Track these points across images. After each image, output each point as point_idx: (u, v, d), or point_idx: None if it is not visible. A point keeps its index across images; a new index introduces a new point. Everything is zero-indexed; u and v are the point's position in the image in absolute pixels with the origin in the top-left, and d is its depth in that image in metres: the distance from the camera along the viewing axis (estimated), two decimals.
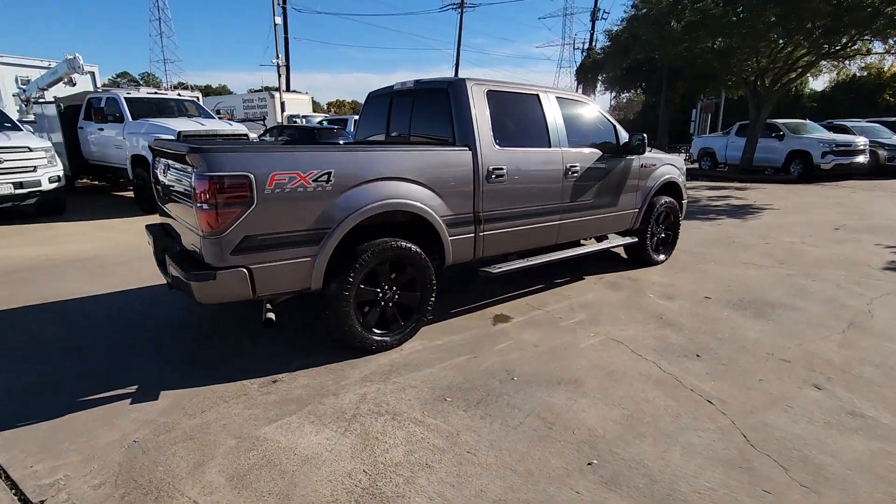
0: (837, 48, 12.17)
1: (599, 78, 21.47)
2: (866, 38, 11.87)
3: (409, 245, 3.33)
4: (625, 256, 5.66)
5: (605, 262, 5.59)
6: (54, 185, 7.64)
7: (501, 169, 3.75)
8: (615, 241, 5.10)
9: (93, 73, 13.58)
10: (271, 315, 2.94)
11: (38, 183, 7.41)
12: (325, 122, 15.44)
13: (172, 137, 8.02)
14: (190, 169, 2.68)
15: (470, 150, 3.61)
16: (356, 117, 20.96)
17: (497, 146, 3.75)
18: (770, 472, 2.21)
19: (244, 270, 2.74)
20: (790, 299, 4.44)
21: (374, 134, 4.60)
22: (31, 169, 7.36)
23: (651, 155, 5.17)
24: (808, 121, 15.89)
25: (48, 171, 7.57)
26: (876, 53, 13.66)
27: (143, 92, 9.62)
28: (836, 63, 14.32)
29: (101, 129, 8.95)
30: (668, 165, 5.48)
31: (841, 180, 13.79)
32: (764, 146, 15.21)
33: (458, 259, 3.70)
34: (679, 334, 3.68)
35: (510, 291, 4.59)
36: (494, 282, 4.78)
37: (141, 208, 8.48)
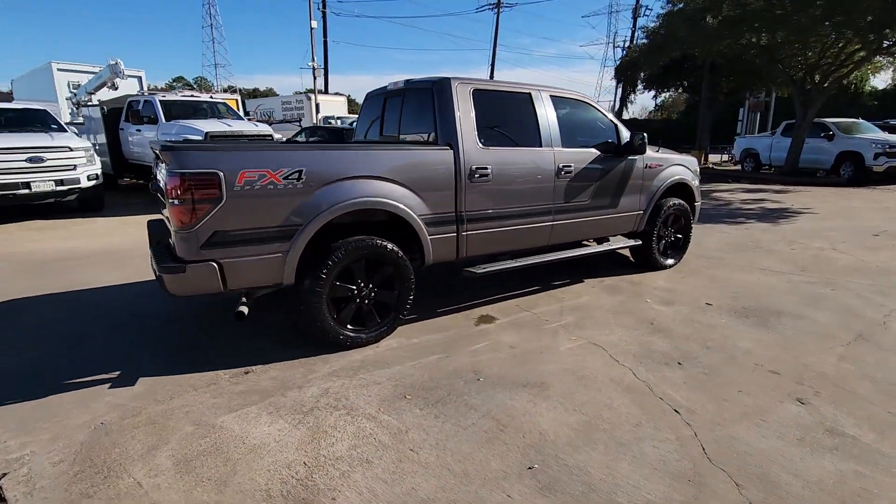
0: (891, 43, 11.33)
1: (639, 76, 20.87)
2: None
3: (384, 243, 3.36)
4: (633, 260, 5.48)
5: (609, 265, 5.44)
6: (92, 182, 8.15)
7: (486, 169, 3.72)
8: (616, 244, 4.97)
9: (139, 78, 14.43)
10: (243, 308, 3.04)
11: (78, 180, 7.92)
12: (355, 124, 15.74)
13: (200, 138, 8.40)
14: (164, 166, 2.81)
15: (452, 149, 3.60)
16: None
17: (481, 146, 3.72)
18: (720, 488, 2.09)
19: (214, 264, 2.84)
20: (800, 308, 4.18)
21: (370, 133, 4.66)
22: (72, 167, 7.88)
23: (657, 155, 4.99)
24: (860, 120, 14.86)
25: (87, 170, 8.08)
26: None
27: (178, 95, 10.11)
28: (892, 59, 13.32)
29: (139, 130, 9.47)
30: (678, 166, 5.27)
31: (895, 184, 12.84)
32: (812, 147, 14.35)
33: (439, 258, 3.70)
34: (666, 341, 3.54)
35: (503, 292, 4.54)
36: (488, 282, 4.75)
37: None
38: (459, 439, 2.42)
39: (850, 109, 23.22)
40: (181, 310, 4.10)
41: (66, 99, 12.26)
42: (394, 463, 2.24)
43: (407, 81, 4.15)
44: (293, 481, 2.12)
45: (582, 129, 4.54)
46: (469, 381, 2.99)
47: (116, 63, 9.64)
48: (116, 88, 10.28)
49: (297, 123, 18.01)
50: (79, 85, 11.80)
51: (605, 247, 4.87)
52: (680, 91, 22.52)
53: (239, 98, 16.67)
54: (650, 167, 4.91)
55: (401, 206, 3.35)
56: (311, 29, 18.39)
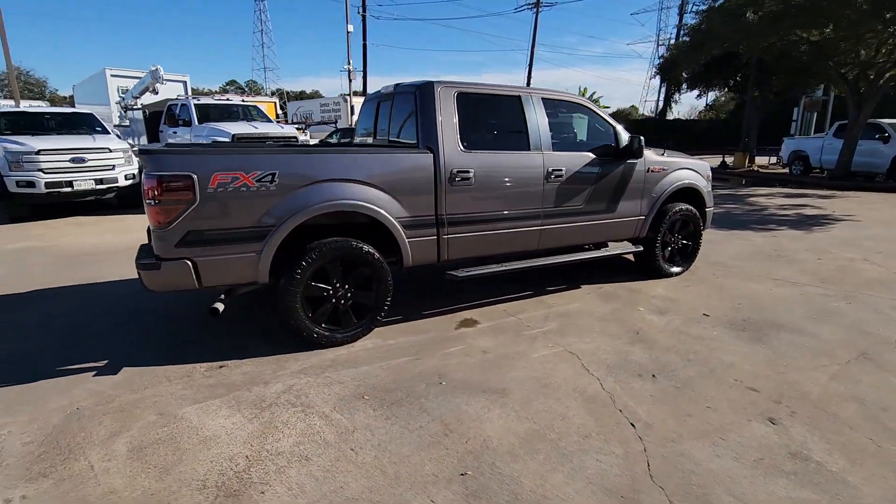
0: None
1: (682, 76, 20.11)
2: None
3: (360, 245, 3.42)
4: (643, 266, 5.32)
5: (611, 272, 5.30)
6: (129, 181, 8.67)
7: (467, 172, 3.72)
8: (614, 250, 4.83)
9: (184, 83, 15.21)
10: (218, 305, 3.18)
11: (116, 180, 8.45)
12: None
13: (227, 139, 8.78)
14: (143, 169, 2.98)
15: (432, 152, 3.62)
16: None
17: (463, 149, 3.72)
18: None
19: (188, 262, 2.99)
20: (805, 322, 3.94)
21: (365, 136, 4.75)
22: (111, 167, 8.42)
23: (660, 158, 4.83)
24: None
25: (125, 170, 8.61)
26: None
27: (212, 99, 10.61)
28: None
29: (175, 132, 10.01)
30: (686, 170, 5.08)
31: None
32: (866, 149, 13.41)
33: (419, 261, 3.73)
34: (647, 351, 3.43)
35: (494, 296, 4.52)
36: (480, 286, 4.73)
37: None
38: (402, 442, 2.44)
39: None
40: (181, 304, 4.32)
41: (115, 103, 13.13)
42: (331, 461, 2.29)
43: (396, 86, 4.21)
44: (230, 473, 2.21)
45: (577, 132, 4.45)
46: (431, 384, 3.00)
47: (157, 69, 10.24)
48: (157, 93, 10.91)
49: (333, 125, 18.49)
50: (126, 90, 12.61)
51: (602, 253, 4.75)
52: (725, 90, 21.49)
53: (277, 101, 17.28)
54: (653, 171, 4.75)
55: (375, 208, 3.40)
56: (348, 33, 18.83)
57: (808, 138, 16.39)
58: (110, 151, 8.44)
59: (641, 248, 4.92)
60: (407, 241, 3.60)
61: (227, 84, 67.73)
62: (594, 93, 45.24)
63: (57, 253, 6.18)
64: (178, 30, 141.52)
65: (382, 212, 3.43)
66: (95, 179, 8.24)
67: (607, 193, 4.49)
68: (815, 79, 15.83)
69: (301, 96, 54.03)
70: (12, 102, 16.83)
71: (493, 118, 4.06)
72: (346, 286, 3.48)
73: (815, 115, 22.33)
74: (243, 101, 11.37)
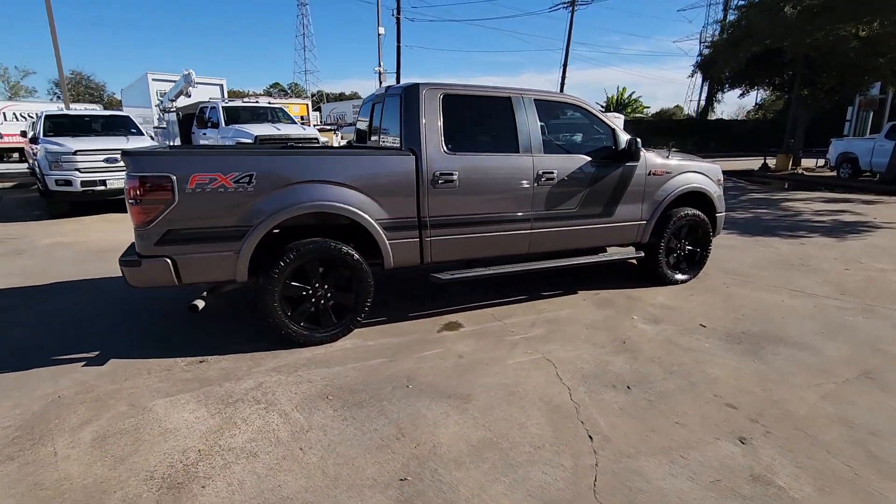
0: None
1: (724, 74, 19.26)
2: None
3: (338, 245, 3.46)
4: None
5: (613, 278, 5.14)
6: None
7: (451, 174, 3.70)
8: (611, 255, 4.69)
9: (221, 86, 15.82)
10: (197, 302, 3.28)
11: None
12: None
13: (250, 140, 9.07)
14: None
15: (414, 155, 3.62)
16: None
17: (447, 151, 3.70)
18: None
19: (168, 260, 3.10)
20: (811, 337, 3.70)
21: (362, 137, 4.79)
22: None
23: (663, 161, 4.65)
24: None
25: None
26: None
27: (240, 101, 10.98)
28: None
29: (205, 134, 10.41)
30: (693, 174, 4.87)
31: None
32: None
33: (401, 263, 3.73)
34: (629, 362, 3.30)
35: (485, 300, 4.47)
36: (472, 289, 4.70)
37: None
38: (352, 443, 2.45)
39: None
40: (183, 300, 4.47)
41: (155, 105, 13.80)
42: (277, 460, 2.32)
43: (387, 88, 4.22)
44: (179, 466, 2.27)
45: (570, 134, 4.35)
46: (398, 387, 2.99)
47: (189, 73, 10.70)
48: (189, 96, 11.40)
49: None
50: (164, 93, 13.23)
51: (597, 258, 4.61)
52: (769, 89, 20.42)
53: (309, 103, 17.70)
54: (655, 174, 4.58)
55: (352, 209, 3.42)
56: (379, 35, 19.08)
57: (858, 139, 15.40)
58: None
59: (642, 254, 4.75)
60: (388, 242, 3.61)
61: (271, 86, 70.08)
62: (633, 92, 44.09)
63: (84, 248, 6.54)
64: (227, 35, 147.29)
65: (360, 213, 3.45)
66: None
67: (603, 197, 4.36)
68: (868, 76, 14.82)
69: (340, 98, 55.18)
70: (77, 105, 17.98)
71: (482, 120, 4.02)
72: (326, 286, 3.53)
73: (872, 114, 20.95)
74: (270, 103, 11.72)
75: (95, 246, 6.63)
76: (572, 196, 4.21)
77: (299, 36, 62.41)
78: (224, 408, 2.76)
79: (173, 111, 11.56)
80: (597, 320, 4.05)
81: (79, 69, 49.38)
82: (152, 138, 9.78)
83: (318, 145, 8.14)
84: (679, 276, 4.95)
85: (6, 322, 4.02)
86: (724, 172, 17.21)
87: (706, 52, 18.17)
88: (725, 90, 22.14)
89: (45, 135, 8.89)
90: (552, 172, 4.06)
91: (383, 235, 3.58)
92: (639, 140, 4.26)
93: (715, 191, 5.02)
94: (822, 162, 18.13)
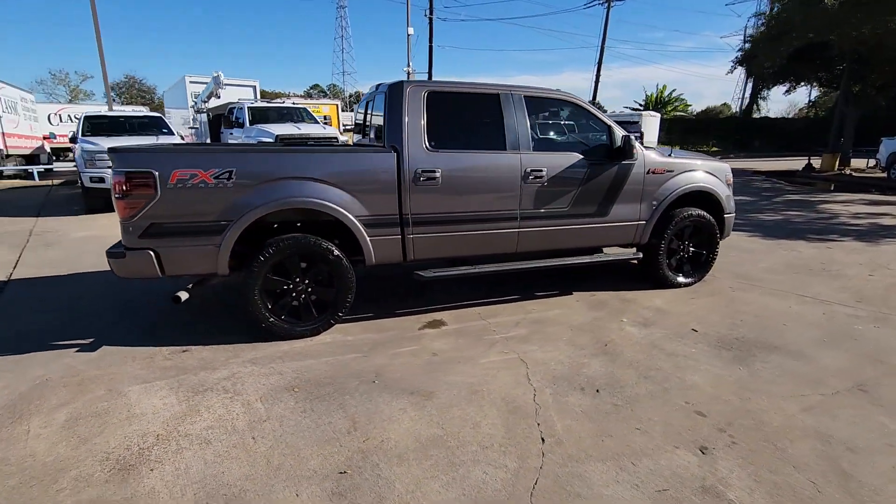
0: None
1: (766, 69, 18.37)
2: None
3: (317, 241, 3.51)
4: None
5: (613, 279, 5.01)
6: None
7: (433, 172, 3.69)
8: (607, 256, 4.55)
9: (254, 87, 16.33)
10: (180, 294, 3.40)
11: None
12: None
13: (271, 139, 9.32)
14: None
15: (396, 152, 3.63)
16: None
17: (429, 149, 3.70)
18: None
19: (151, 252, 3.23)
20: (809, 345, 3.49)
21: (358, 134, 4.85)
22: None
23: (664, 159, 4.48)
24: None
25: None
26: None
27: (265, 102, 11.31)
28: None
29: (232, 133, 10.78)
30: (698, 172, 4.67)
31: None
32: None
33: (383, 260, 3.76)
34: (605, 365, 3.21)
35: (473, 299, 4.44)
36: (464, 287, 4.68)
37: None
38: (304, 435, 2.48)
39: None
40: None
41: (190, 106, 14.41)
42: (227, 448, 2.38)
43: (378, 86, 4.26)
44: (135, 449, 2.37)
45: (565, 131, 4.26)
46: (365, 381, 3.02)
47: (218, 75, 11.11)
48: (219, 97, 11.83)
49: None
50: (198, 94, 13.80)
51: (591, 258, 4.49)
52: (815, 85, 19.33)
53: (339, 104, 18.04)
54: (654, 172, 4.43)
55: (330, 205, 3.46)
56: (408, 35, 19.24)
57: None
58: None
59: (640, 255, 4.60)
60: (368, 239, 3.64)
61: (311, 88, 72.03)
62: (673, 90, 42.68)
63: (111, 242, 6.86)
64: (270, 39, 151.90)
65: (339, 209, 3.49)
66: None
67: (597, 196, 4.25)
68: None
69: None
70: (126, 107, 19.02)
71: (468, 118, 3.99)
72: (307, 281, 3.59)
73: None
74: (294, 103, 12.03)
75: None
76: (563, 195, 4.12)
77: (338, 38, 63.54)
78: (192, 395, 2.86)
79: (204, 112, 12.05)
80: (584, 322, 3.95)
81: (132, 73, 52.14)
82: (182, 138, 10.20)
83: (316, 143, 8.30)
84: (681, 279, 4.76)
85: (23, 308, 4.30)
86: (764, 173, 16.63)
87: (745, 46, 17.33)
88: (769, 87, 21.15)
89: (83, 135, 9.42)
90: (541, 171, 3.99)
91: (364, 232, 3.61)
92: (632, 137, 4.13)
93: (723, 191, 4.81)
94: (872, 162, 17.05)
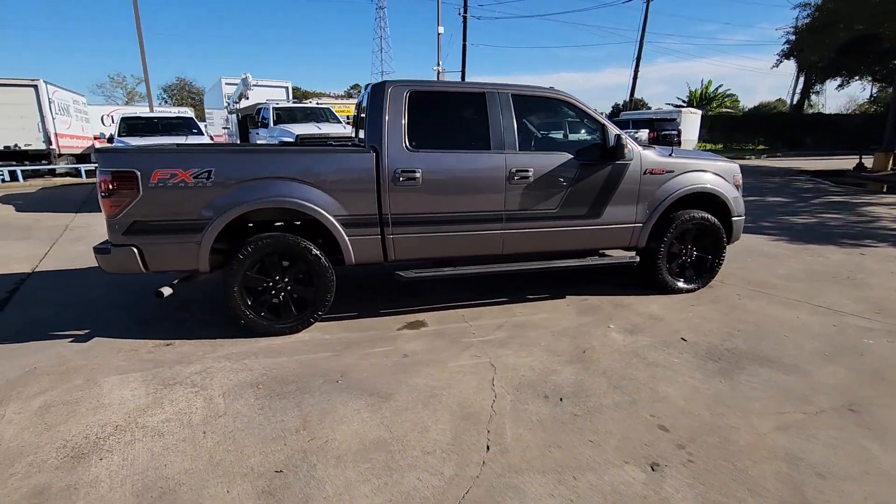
0: None
1: (813, 63, 17.31)
2: None
3: (296, 240, 3.55)
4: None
5: (611, 284, 4.84)
6: None
7: (413, 172, 3.66)
8: (599, 260, 4.39)
9: (286, 88, 16.76)
10: (163, 289, 3.51)
11: None
12: None
13: (291, 139, 9.54)
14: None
15: (375, 152, 3.63)
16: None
17: (409, 149, 3.67)
18: None
19: (134, 249, 3.35)
20: (807, 359, 3.26)
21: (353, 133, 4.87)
22: None
23: (663, 159, 4.29)
24: None
25: None
26: None
27: (289, 103, 11.58)
28: None
29: (258, 133, 11.11)
30: (701, 173, 4.45)
31: None
32: None
33: (363, 260, 3.76)
34: (577, 373, 3.10)
35: (460, 300, 4.39)
36: (453, 288, 4.63)
37: None
38: (253, 432, 2.51)
39: None
40: (195, 287, 4.79)
41: (224, 107, 14.96)
42: (177, 441, 2.44)
43: (366, 86, 4.26)
44: (92, 438, 2.46)
45: (556, 130, 4.13)
46: (329, 381, 3.03)
47: (246, 77, 11.48)
48: (248, 98, 12.21)
49: None
50: (230, 95, 14.32)
51: (586, 262, 4.33)
52: (870, 80, 18.04)
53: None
54: (652, 173, 4.24)
55: (308, 204, 3.49)
56: (439, 35, 19.25)
57: None
58: None
59: (637, 259, 4.42)
60: (347, 238, 3.65)
61: (351, 88, 73.42)
62: (720, 86, 41.00)
63: None
64: (311, 40, 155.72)
65: (316, 208, 3.52)
66: None
67: (588, 197, 4.10)
68: None
69: None
70: (171, 109, 19.99)
71: (452, 117, 3.94)
72: (287, 279, 3.64)
73: None
74: (318, 104, 12.27)
75: None
76: (552, 196, 4.01)
77: (376, 38, 64.47)
78: (161, 388, 2.95)
79: (236, 112, 12.48)
80: (569, 327, 3.83)
81: (183, 76, 54.62)
82: (212, 138, 10.59)
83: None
84: (682, 285, 4.54)
85: (35, 299, 4.56)
86: (809, 173, 15.75)
87: (791, 39, 16.37)
88: (820, 81, 19.93)
89: (119, 135, 9.93)
90: (527, 171, 3.89)
91: (342, 231, 3.62)
92: (623, 136, 3.96)
93: (730, 192, 4.55)
94: None
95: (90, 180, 15.07)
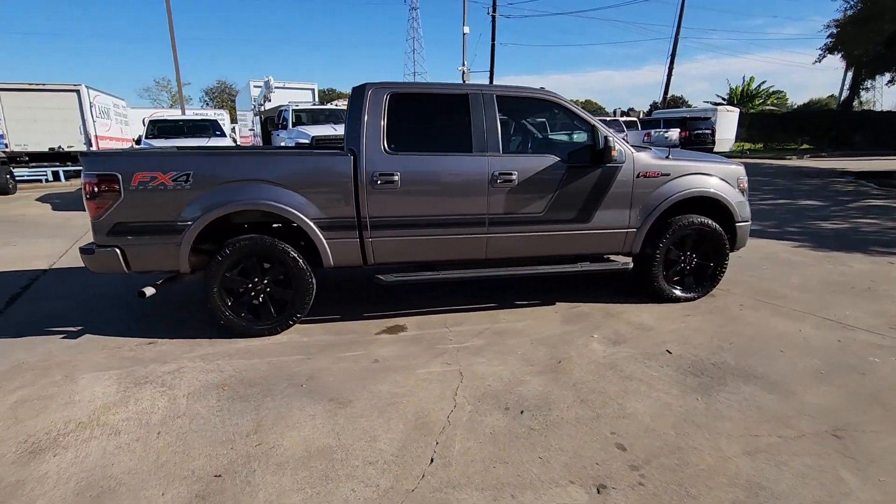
0: None
1: (857, 58, 16.29)
2: None
3: (274, 242, 3.58)
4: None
5: (606, 291, 4.67)
6: None
7: (391, 175, 3.63)
8: (589, 266, 4.23)
9: (312, 90, 17.06)
10: (145, 289, 3.60)
11: None
12: None
13: (307, 141, 9.69)
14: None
15: (353, 155, 3.62)
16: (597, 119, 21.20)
17: (388, 152, 3.64)
18: None
19: (117, 250, 3.45)
20: (798, 377, 3.04)
21: None
22: None
23: (657, 161, 4.10)
24: None
25: None
26: None
27: (309, 105, 11.77)
28: None
29: (278, 135, 11.34)
30: (701, 176, 4.23)
31: None
32: None
33: (342, 263, 3.76)
34: (546, 385, 2.99)
35: (447, 305, 4.32)
36: (446, 293, 4.57)
37: None
38: (205, 434, 2.54)
39: None
40: (200, 286, 4.93)
41: (250, 109, 15.39)
42: (130, 440, 2.49)
43: (353, 88, 4.25)
44: (54, 434, 2.54)
45: (544, 132, 4.02)
46: (293, 384, 3.03)
47: (268, 80, 11.74)
48: (270, 100, 12.49)
49: None
50: (255, 98, 14.71)
51: (576, 268, 4.19)
52: None
53: None
54: (646, 176, 4.06)
55: (285, 207, 3.51)
56: (464, 34, 19.18)
57: None
58: None
59: (630, 266, 4.25)
60: (325, 241, 3.65)
61: None
62: (763, 82, 39.23)
63: None
64: (348, 42, 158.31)
65: (293, 211, 3.53)
66: None
67: (577, 200, 3.97)
68: None
69: None
70: (209, 112, 20.72)
71: (433, 119, 3.89)
72: (266, 281, 3.67)
73: None
74: (336, 105, 12.43)
75: None
76: (537, 199, 3.89)
77: (409, 39, 64.93)
78: (131, 386, 3.02)
79: (258, 114, 12.80)
80: (551, 335, 3.71)
81: (224, 79, 56.56)
82: (235, 140, 10.90)
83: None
84: (680, 293, 4.34)
85: (45, 295, 4.78)
86: (853, 174, 14.86)
87: (833, 32, 15.46)
88: (870, 77, 18.77)
89: (146, 137, 10.33)
90: (511, 174, 3.79)
91: (320, 235, 3.63)
92: (609, 138, 3.80)
93: (733, 197, 4.31)
94: None
95: None
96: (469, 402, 2.80)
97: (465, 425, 2.59)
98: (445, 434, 2.51)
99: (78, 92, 14.69)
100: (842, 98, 28.87)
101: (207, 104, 57.69)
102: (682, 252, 4.31)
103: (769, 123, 30.18)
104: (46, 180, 14.57)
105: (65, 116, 14.62)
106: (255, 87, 16.56)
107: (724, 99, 39.04)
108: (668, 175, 4.12)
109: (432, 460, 2.31)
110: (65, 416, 2.70)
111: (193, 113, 19.96)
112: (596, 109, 57.22)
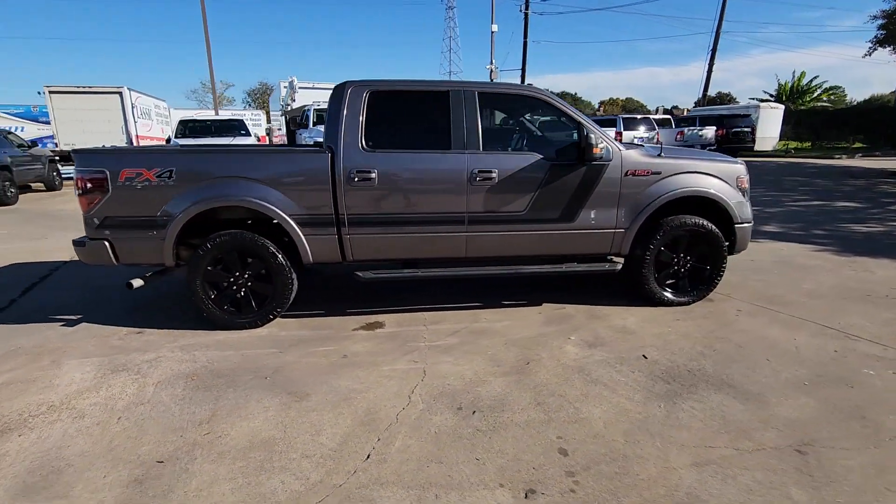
0: None
1: None
2: None
3: (254, 237, 3.67)
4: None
5: (599, 292, 4.54)
6: None
7: (369, 172, 3.65)
8: (575, 266, 4.12)
9: None
10: (133, 281, 3.75)
11: None
12: None
13: (321, 139, 9.88)
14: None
15: (331, 152, 3.66)
16: (626, 116, 20.11)
17: (365, 149, 3.66)
18: None
19: (106, 243, 3.62)
20: (776, 388, 2.87)
21: None
22: None
23: (647, 160, 3.96)
24: None
25: None
26: None
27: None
28: None
29: (301, 134, 11.62)
30: (696, 175, 4.05)
31: None
32: None
33: (321, 259, 3.81)
34: (507, 386, 2.94)
35: (433, 302, 4.32)
36: (437, 291, 4.57)
37: None
38: (161, 421, 2.62)
39: None
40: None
41: (279, 109, 15.81)
42: (92, 424, 2.60)
43: (334, 87, 4.30)
44: (25, 415, 2.69)
45: (521, 130, 3.95)
46: (258, 377, 3.10)
47: (292, 80, 12.03)
48: (294, 101, 12.80)
49: None
50: (283, 98, 15.12)
51: (561, 268, 4.09)
52: None
53: None
54: (634, 174, 3.93)
55: (263, 203, 3.59)
56: (492, 33, 19.04)
57: None
58: None
59: (618, 267, 4.11)
60: (304, 237, 3.71)
61: None
62: (815, 77, 37.14)
63: None
64: (387, 42, 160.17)
65: (272, 207, 3.60)
66: None
67: (561, 199, 3.88)
68: None
69: None
70: (246, 112, 21.51)
71: (412, 117, 3.87)
72: (247, 276, 3.77)
73: None
74: None
75: None
76: (519, 198, 3.83)
77: (446, 38, 65.15)
78: (109, 373, 3.16)
79: (284, 114, 13.16)
80: (527, 336, 3.65)
81: (264, 81, 58.43)
82: (258, 138, 11.24)
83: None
84: (671, 296, 4.16)
85: (60, 285, 5.07)
86: None
87: (880, 23, 14.45)
88: None
89: (176, 136, 10.78)
90: (491, 172, 3.74)
91: (299, 231, 3.69)
92: (593, 135, 3.69)
93: (731, 196, 4.11)
94: None
95: None
96: (423, 401, 2.79)
97: (412, 423, 2.57)
98: (390, 431, 2.51)
99: (120, 94, 15.48)
100: None
101: (249, 105, 59.62)
102: (676, 254, 4.14)
103: (818, 121, 28.52)
104: None
105: (108, 117, 15.43)
106: (283, 87, 17.05)
107: (771, 96, 37.22)
108: (658, 174, 3.97)
109: (369, 456, 2.31)
110: (40, 399, 2.86)
111: (231, 114, 20.63)
112: (636, 108, 55.60)
